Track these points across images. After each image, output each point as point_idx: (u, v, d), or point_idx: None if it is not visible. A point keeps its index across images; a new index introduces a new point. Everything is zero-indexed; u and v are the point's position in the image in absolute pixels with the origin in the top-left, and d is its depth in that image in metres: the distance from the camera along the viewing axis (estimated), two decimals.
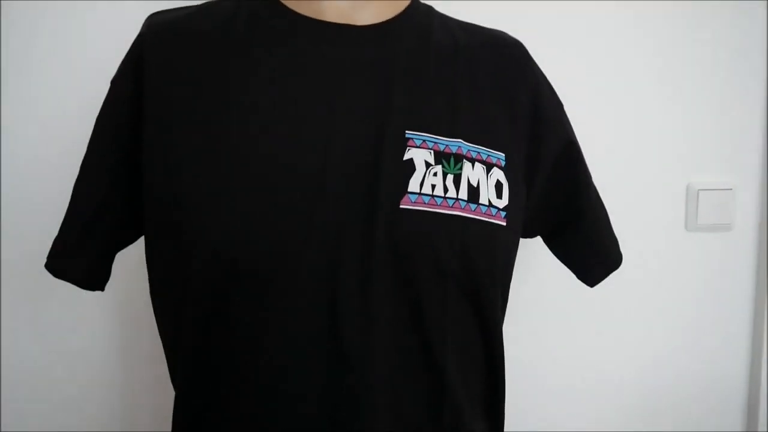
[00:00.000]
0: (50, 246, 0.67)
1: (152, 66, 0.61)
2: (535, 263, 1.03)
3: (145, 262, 0.64)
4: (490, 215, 0.61)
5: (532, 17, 1.00)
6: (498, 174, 0.63)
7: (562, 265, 0.79)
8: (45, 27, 0.93)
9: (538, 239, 0.79)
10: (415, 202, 0.58)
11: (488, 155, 0.63)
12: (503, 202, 0.62)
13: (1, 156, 0.93)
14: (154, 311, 0.66)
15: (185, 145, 0.58)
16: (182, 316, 0.60)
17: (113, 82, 0.65)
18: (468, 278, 0.60)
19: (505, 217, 0.62)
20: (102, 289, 0.68)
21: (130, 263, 0.77)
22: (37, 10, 0.92)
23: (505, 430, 0.69)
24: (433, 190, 0.59)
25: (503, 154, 0.64)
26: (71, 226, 0.66)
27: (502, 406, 0.69)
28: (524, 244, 0.71)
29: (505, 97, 0.66)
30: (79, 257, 0.66)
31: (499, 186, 0.62)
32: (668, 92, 1.05)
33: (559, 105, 0.73)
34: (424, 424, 0.61)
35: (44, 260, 0.67)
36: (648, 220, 1.07)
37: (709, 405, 1.12)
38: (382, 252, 0.57)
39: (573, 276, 0.78)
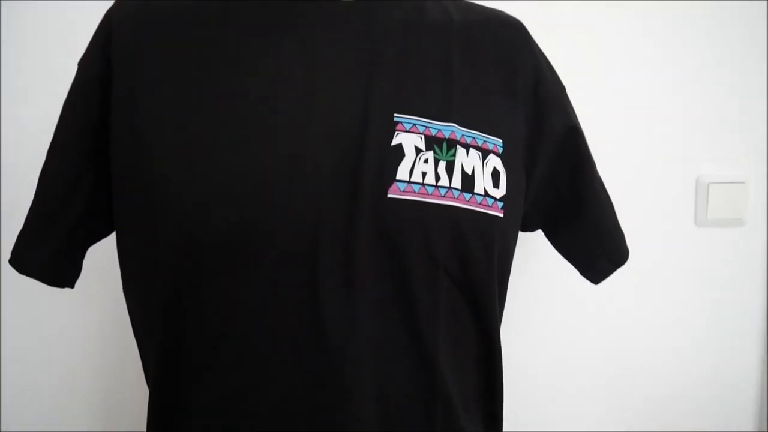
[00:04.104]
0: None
1: (121, 45, 0.57)
2: (535, 259, 0.99)
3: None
4: (486, 205, 0.57)
5: (537, 10, 0.95)
6: (495, 161, 0.58)
7: (564, 263, 0.74)
8: (45, 27, 0.91)
9: (539, 236, 0.75)
10: (404, 191, 0.54)
11: (484, 141, 0.58)
12: (500, 191, 0.58)
13: (1, 156, 0.90)
14: (129, 310, 0.62)
15: (156, 121, 0.55)
16: (152, 305, 0.56)
17: (80, 63, 0.61)
18: (462, 271, 0.56)
19: (503, 207, 0.58)
20: (71, 286, 0.64)
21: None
22: (37, 10, 0.90)
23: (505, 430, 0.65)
24: (423, 179, 0.54)
25: (501, 140, 0.59)
26: (35, 218, 0.62)
27: (500, 409, 0.64)
28: (523, 242, 0.67)
29: (504, 79, 0.62)
30: (41, 249, 0.61)
31: (495, 174, 0.58)
32: (678, 82, 1.01)
33: (562, 88, 0.68)
34: (414, 424, 0.56)
35: None
36: (656, 214, 1.02)
37: (719, 405, 1.07)
38: (369, 242, 0.53)
39: (575, 274, 0.74)
